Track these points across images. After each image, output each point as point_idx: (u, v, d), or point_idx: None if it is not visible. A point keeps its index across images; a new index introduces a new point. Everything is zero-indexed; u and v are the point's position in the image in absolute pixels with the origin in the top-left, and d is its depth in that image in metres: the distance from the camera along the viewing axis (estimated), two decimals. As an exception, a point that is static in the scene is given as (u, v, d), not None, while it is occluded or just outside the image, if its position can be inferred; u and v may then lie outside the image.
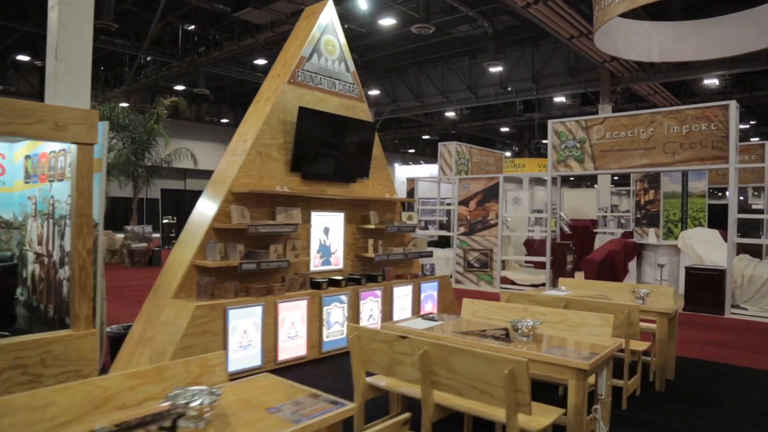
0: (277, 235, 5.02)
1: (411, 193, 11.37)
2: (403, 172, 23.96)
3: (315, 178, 5.50)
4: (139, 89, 23.98)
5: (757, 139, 23.07)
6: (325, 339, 5.10)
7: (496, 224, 9.75)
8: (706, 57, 10.80)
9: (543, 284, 9.31)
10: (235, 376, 4.45)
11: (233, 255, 4.66)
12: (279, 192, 5.01)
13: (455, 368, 2.53)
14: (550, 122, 9.10)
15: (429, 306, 6.24)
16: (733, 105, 7.38)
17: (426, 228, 12.90)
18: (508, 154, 34.97)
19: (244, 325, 4.48)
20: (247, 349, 4.50)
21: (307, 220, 5.40)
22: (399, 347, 2.77)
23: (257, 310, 4.57)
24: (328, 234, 5.59)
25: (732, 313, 7.64)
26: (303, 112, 5.22)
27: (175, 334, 4.16)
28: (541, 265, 10.13)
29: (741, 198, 23.81)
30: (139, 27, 17.32)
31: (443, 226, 12.14)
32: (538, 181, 28.80)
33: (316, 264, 5.48)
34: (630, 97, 20.75)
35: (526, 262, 11.83)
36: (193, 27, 18.27)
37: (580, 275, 10.16)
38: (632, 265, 10.06)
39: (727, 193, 7.72)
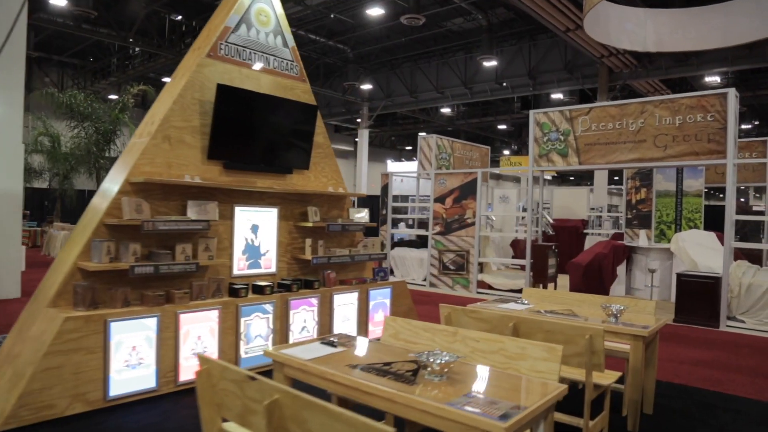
0: (186, 234, 4.25)
1: (385, 188, 10.59)
2: (395, 168, 23.23)
3: (240, 167, 4.72)
4: (127, 81, 23.34)
5: (761, 139, 22.23)
6: (243, 355, 4.33)
7: (473, 223, 8.96)
8: (706, 47, 9.99)
9: (522, 290, 8.52)
10: (122, 400, 3.70)
11: (126, 256, 3.89)
12: (189, 183, 4.24)
13: (310, 429, 1.77)
14: (531, 112, 8.31)
15: (380, 315, 5.47)
16: (731, 93, 6.57)
17: (412, 227, 12.18)
18: (506, 152, 34.20)
19: (132, 340, 3.72)
20: (136, 368, 3.74)
21: (229, 216, 4.63)
22: (249, 390, 2.01)
23: (151, 322, 3.80)
24: (256, 232, 4.82)
25: (727, 326, 6.86)
26: (222, 90, 4.44)
27: (39, 351, 3.40)
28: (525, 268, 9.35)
29: (742, 200, 22.96)
30: (125, 16, 16.65)
31: (423, 224, 11.38)
32: (535, 180, 27.96)
33: (240, 267, 4.71)
34: (629, 95, 19.99)
35: (509, 264, 11.06)
36: (180, 17, 17.59)
37: (565, 279, 9.42)
38: (622, 269, 9.28)
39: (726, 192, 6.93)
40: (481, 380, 2.26)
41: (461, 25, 17.75)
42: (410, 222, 13.21)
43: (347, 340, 2.84)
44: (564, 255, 10.86)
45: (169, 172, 4.27)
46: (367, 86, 21.99)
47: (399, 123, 29.42)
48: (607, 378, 3.23)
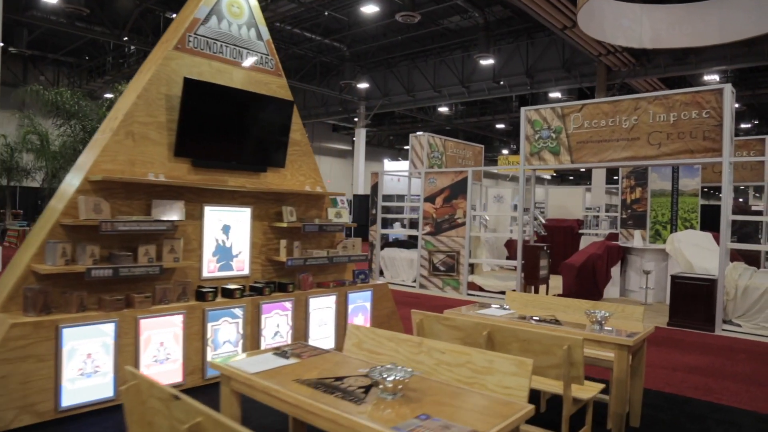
0: (149, 235, 4.04)
1: (375, 187, 10.36)
2: (391, 168, 23.08)
3: (210, 165, 4.51)
4: (123, 79, 23.14)
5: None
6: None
7: (464, 223, 8.74)
8: (703, 43, 9.78)
9: (513, 291, 8.30)
10: (75, 411, 3.49)
11: (83, 258, 3.68)
12: (153, 181, 4.03)
13: (230, 460, 1.56)
14: (523, 110, 8.09)
15: (360, 320, 5.25)
16: (727, 89, 6.35)
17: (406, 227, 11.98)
18: (505, 151, 33.96)
19: (88, 347, 3.51)
20: (92, 377, 3.53)
21: (198, 216, 4.42)
22: (175, 410, 1.81)
23: (108, 328, 3.59)
24: (228, 233, 4.61)
25: (723, 330, 6.64)
26: (189, 84, 4.23)
27: (-17, 360, 3.20)
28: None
29: (741, 200, 22.70)
30: (119, 14, 16.46)
31: (415, 224, 11.17)
32: (536, 179, 27.85)
33: (211, 269, 4.50)
34: (627, 94, 19.73)
35: (503, 265, 10.86)
36: (174, 15, 17.38)
37: (559, 280, 9.22)
38: (616, 271, 9.06)
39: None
40: (439, 398, 2.04)
41: (458, 24, 17.55)
42: (405, 222, 13.02)
43: (303, 351, 2.63)
44: (559, 256, 10.64)
45: (132, 169, 4.06)
46: (363, 85, 21.79)
47: (397, 122, 29.24)
48: (587, 391, 3.02)
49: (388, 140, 35.69)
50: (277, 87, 4.99)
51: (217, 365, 2.43)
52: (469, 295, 8.67)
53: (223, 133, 4.52)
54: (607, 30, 9.73)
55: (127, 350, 3.69)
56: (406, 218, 12.21)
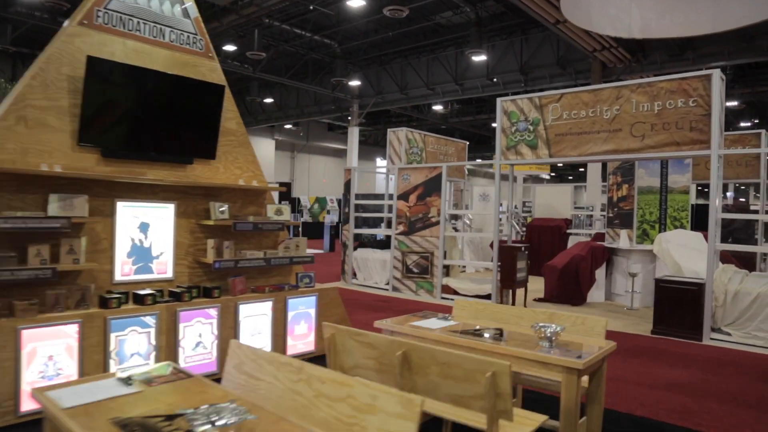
0: (43, 233, 3.54)
1: (348, 185, 9.85)
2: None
3: (124, 156, 4.01)
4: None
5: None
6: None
7: (438, 222, 8.22)
8: (695, 32, 9.23)
9: (489, 295, 7.79)
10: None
11: (-46, 261, 3.19)
12: (48, 172, 3.54)
13: None
14: (499, 100, 7.57)
15: (303, 328, 4.74)
16: (716, 75, 5.82)
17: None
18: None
19: (-47, 365, 3.02)
20: (-41, 400, 3.04)
21: (109, 213, 3.92)
22: None
23: (-21, 343, 3.10)
24: (146, 232, 4.11)
25: (711, 339, 6.10)
26: (93, 63, 3.73)
27: None
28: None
29: (742, 200, 22.07)
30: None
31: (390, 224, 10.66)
32: (535, 179, 27.27)
33: (125, 272, 4.00)
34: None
35: (488, 267, 10.33)
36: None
37: (540, 282, 8.74)
38: (601, 273, 8.52)
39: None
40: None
41: (450, 19, 17.04)
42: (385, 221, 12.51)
43: (166, 379, 2.13)
44: (545, 256, 10.13)
45: (24, 159, 3.56)
46: (356, 83, 21.30)
47: (392, 121, 28.75)
48: (521, 427, 2.50)
49: (384, 139, 35.22)
50: (208, 70, 4.49)
51: (37, 394, 1.93)
52: (443, 298, 8.14)
53: (137, 119, 4.02)
54: (594, 19, 9.20)
55: (5, 366, 3.19)
56: (386, 217, 11.72)
